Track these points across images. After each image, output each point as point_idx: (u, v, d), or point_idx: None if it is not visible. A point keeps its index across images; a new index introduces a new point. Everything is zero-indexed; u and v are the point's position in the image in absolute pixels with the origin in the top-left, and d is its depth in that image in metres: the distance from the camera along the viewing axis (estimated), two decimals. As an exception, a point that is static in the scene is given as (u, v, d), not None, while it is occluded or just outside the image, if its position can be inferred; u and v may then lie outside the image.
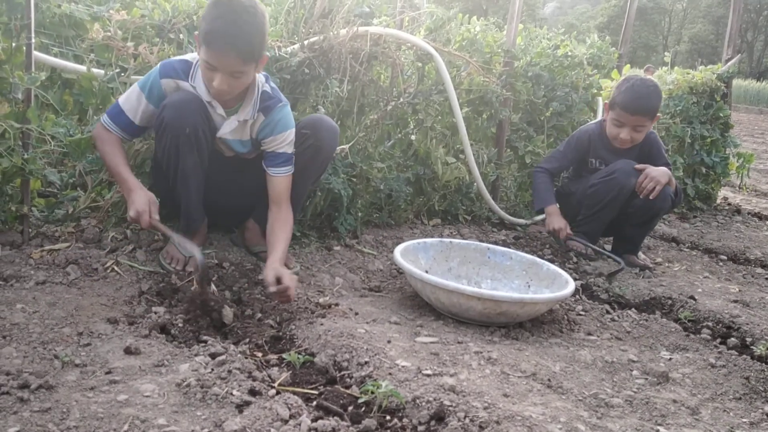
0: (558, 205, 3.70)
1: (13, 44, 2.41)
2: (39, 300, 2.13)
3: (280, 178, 2.60)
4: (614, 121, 3.51)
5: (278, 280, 2.31)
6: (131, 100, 2.49)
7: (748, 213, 5.79)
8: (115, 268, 2.48)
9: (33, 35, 2.43)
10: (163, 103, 2.44)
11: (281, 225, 2.58)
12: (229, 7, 2.27)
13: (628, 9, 6.55)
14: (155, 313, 2.18)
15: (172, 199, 2.66)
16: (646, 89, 3.43)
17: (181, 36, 2.96)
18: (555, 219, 3.62)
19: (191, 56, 2.52)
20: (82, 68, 2.79)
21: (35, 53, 2.51)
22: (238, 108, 2.53)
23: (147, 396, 1.64)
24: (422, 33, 3.77)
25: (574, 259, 3.51)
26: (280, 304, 2.36)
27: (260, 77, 2.53)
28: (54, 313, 2.06)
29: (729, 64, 5.81)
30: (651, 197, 3.39)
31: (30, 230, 2.58)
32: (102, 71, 2.82)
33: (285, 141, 2.59)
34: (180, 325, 2.10)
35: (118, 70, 2.81)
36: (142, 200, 2.37)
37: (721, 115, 5.63)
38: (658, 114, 3.55)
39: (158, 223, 2.39)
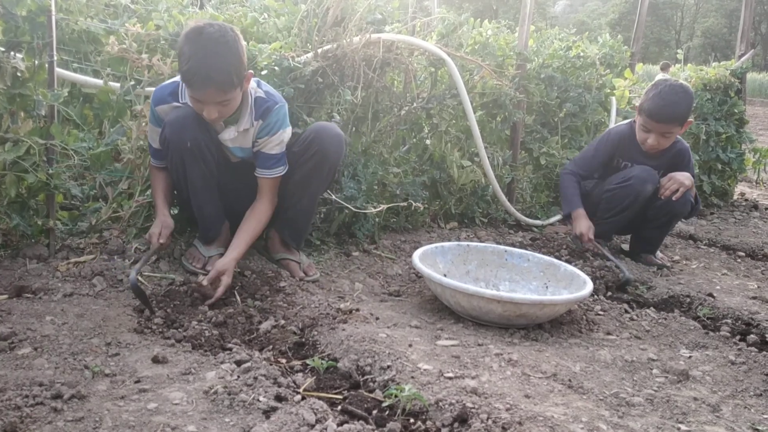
0: (582, 208, 3.62)
1: (36, 62, 2.47)
2: (67, 312, 2.18)
3: (268, 179, 2.68)
4: (642, 126, 3.50)
5: (216, 281, 2.46)
6: (151, 133, 2.67)
7: (766, 208, 5.76)
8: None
9: (55, 53, 2.49)
10: (164, 122, 2.55)
11: (253, 219, 2.68)
12: (198, 43, 2.32)
13: (639, 6, 6.55)
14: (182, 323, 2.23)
15: (190, 208, 2.74)
16: (674, 97, 3.37)
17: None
18: (578, 223, 3.57)
19: (180, 76, 2.56)
20: (100, 82, 2.85)
21: (57, 70, 2.57)
22: (236, 118, 2.59)
23: (176, 404, 1.68)
24: (434, 38, 3.80)
25: (591, 259, 3.52)
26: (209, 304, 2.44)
27: (252, 84, 2.59)
28: (82, 324, 2.11)
29: (742, 59, 5.79)
30: (674, 198, 3.40)
31: (55, 243, 2.64)
32: (118, 84, 2.87)
33: (277, 141, 2.64)
34: (208, 333, 2.15)
35: (133, 83, 2.86)
36: (157, 225, 2.59)
37: (736, 110, 5.62)
38: (690, 119, 3.50)
39: (157, 247, 2.55)
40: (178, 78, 2.57)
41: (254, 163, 2.69)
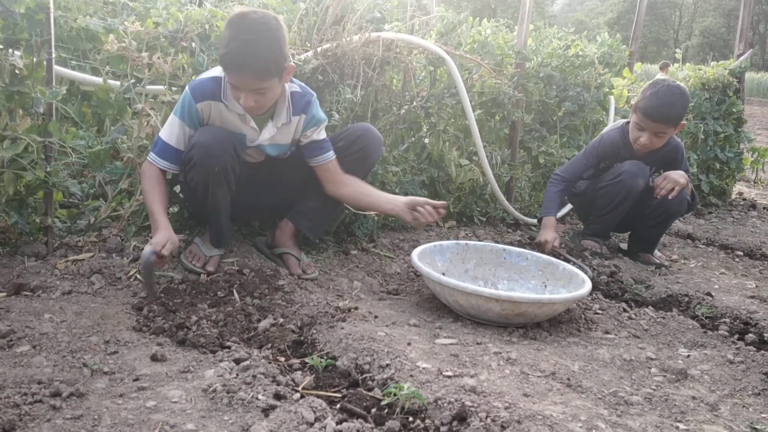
0: (555, 218, 3.62)
1: (34, 59, 2.47)
2: (66, 310, 2.18)
3: (328, 163, 2.75)
4: (636, 124, 3.50)
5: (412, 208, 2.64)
6: (173, 131, 2.51)
7: (764, 207, 5.77)
8: (138, 276, 2.53)
9: (53, 50, 2.48)
10: (192, 141, 2.48)
11: (359, 185, 2.80)
12: (239, 27, 2.31)
13: (638, 5, 6.56)
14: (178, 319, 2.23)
15: (200, 213, 2.74)
16: (670, 97, 3.36)
17: (194, 44, 3.00)
18: (544, 231, 3.56)
19: (219, 71, 2.52)
20: (99, 80, 2.84)
21: (55, 67, 2.56)
22: (270, 116, 2.58)
23: (175, 402, 1.67)
24: (433, 37, 3.80)
25: (590, 258, 3.52)
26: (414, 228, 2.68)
27: None
28: (81, 322, 2.11)
29: (741, 59, 5.80)
30: (669, 197, 3.40)
31: (54, 241, 2.63)
32: (118, 83, 2.86)
33: (323, 127, 2.72)
34: (207, 331, 2.14)
35: (133, 81, 2.85)
36: (161, 241, 2.36)
37: (734, 110, 5.63)
38: (683, 121, 3.50)
39: (157, 261, 2.37)
40: (218, 72, 2.52)
41: (308, 157, 2.74)
